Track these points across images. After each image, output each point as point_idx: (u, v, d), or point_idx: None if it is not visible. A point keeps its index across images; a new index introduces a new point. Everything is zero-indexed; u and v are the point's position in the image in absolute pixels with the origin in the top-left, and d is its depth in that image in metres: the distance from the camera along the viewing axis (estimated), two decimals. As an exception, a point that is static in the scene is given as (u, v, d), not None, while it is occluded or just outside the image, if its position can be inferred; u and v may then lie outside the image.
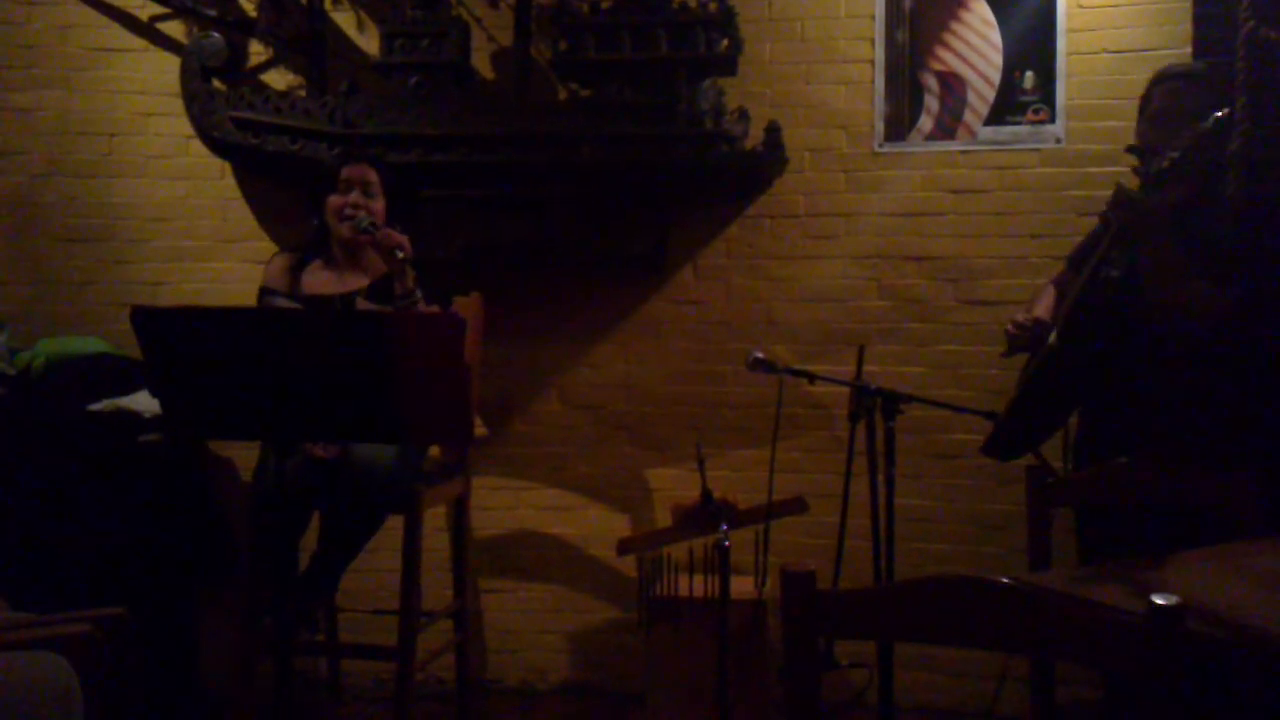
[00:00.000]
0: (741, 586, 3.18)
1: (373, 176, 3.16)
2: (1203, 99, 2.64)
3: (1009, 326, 2.88)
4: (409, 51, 3.66)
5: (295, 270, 3.16)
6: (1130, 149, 2.76)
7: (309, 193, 3.33)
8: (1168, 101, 2.71)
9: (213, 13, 3.84)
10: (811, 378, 3.00)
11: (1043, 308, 2.93)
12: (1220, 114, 2.43)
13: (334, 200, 3.14)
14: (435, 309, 3.04)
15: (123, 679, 2.09)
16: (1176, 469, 2.33)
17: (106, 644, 2.07)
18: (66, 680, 1.95)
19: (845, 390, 2.96)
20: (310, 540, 3.15)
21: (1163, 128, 2.69)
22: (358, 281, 3.17)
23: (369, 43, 3.90)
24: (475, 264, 3.71)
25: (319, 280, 3.17)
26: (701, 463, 3.03)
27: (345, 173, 3.15)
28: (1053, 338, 2.63)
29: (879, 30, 3.75)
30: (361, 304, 3.12)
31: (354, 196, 3.12)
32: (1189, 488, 2.30)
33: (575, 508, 3.93)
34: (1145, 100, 2.80)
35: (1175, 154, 2.43)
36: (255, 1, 3.89)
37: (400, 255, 2.91)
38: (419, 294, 2.97)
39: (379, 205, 3.15)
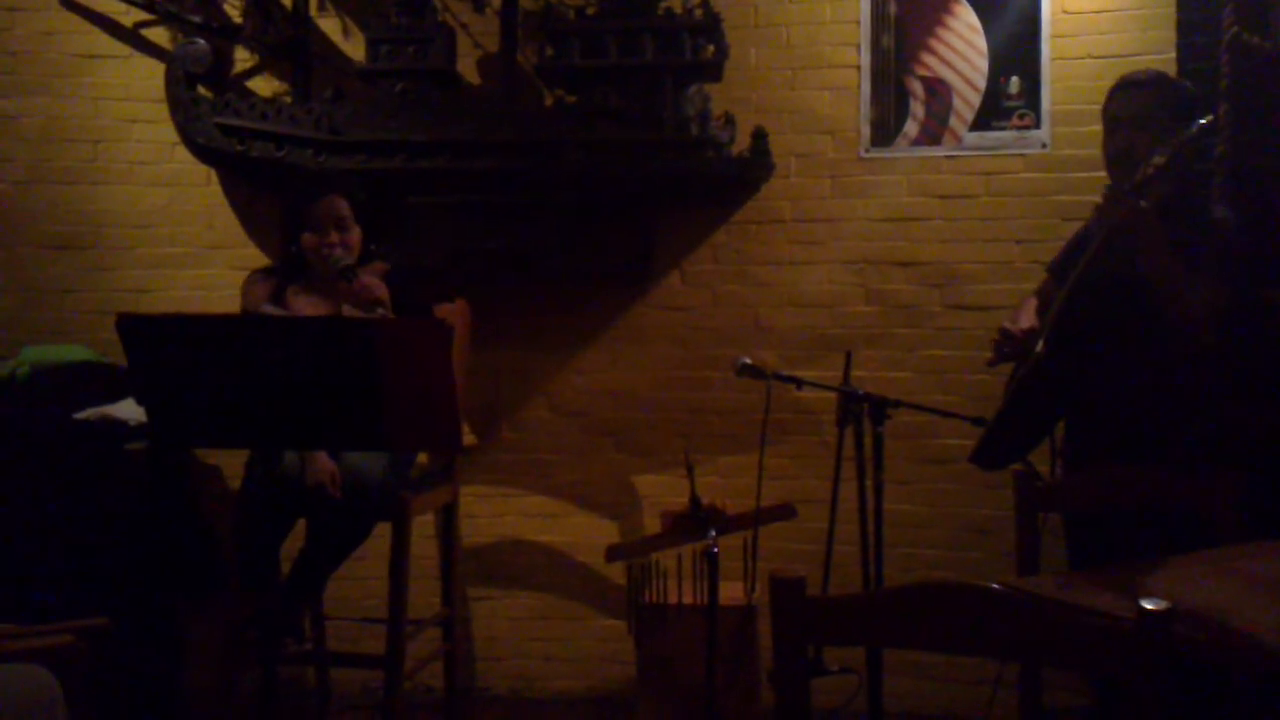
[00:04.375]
0: (730, 593, 3.18)
1: (345, 209, 3.04)
2: (1156, 104, 2.68)
3: (996, 336, 2.88)
4: (394, 58, 3.65)
5: (279, 294, 3.07)
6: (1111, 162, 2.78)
7: (285, 217, 3.26)
8: (1124, 109, 2.75)
9: (197, 19, 3.82)
10: (799, 383, 3.00)
11: (1028, 317, 2.94)
12: (1204, 120, 2.45)
13: (310, 240, 3.03)
14: None
15: (107, 690, 2.07)
16: (1165, 474, 2.34)
17: (90, 655, 2.06)
18: (50, 692, 1.93)
19: (833, 396, 2.96)
20: (290, 546, 3.13)
21: (1120, 134, 2.73)
22: (339, 305, 3.11)
23: (354, 49, 3.89)
24: (462, 270, 3.70)
25: (305, 304, 3.09)
26: (690, 469, 3.03)
27: (317, 211, 3.03)
28: (1040, 345, 2.63)
29: (864, 36, 3.76)
30: (348, 312, 3.09)
31: (331, 237, 3.01)
32: (1177, 493, 2.31)
33: (563, 515, 3.93)
34: (1104, 110, 2.83)
35: (1160, 160, 2.45)
36: (240, 8, 3.87)
37: (380, 312, 2.85)
38: None
39: (354, 236, 3.06)
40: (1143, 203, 2.47)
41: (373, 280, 2.94)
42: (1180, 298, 2.54)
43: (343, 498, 2.88)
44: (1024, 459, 2.78)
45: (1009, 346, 2.84)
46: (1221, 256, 2.60)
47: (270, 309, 3.04)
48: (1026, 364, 2.68)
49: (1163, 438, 2.59)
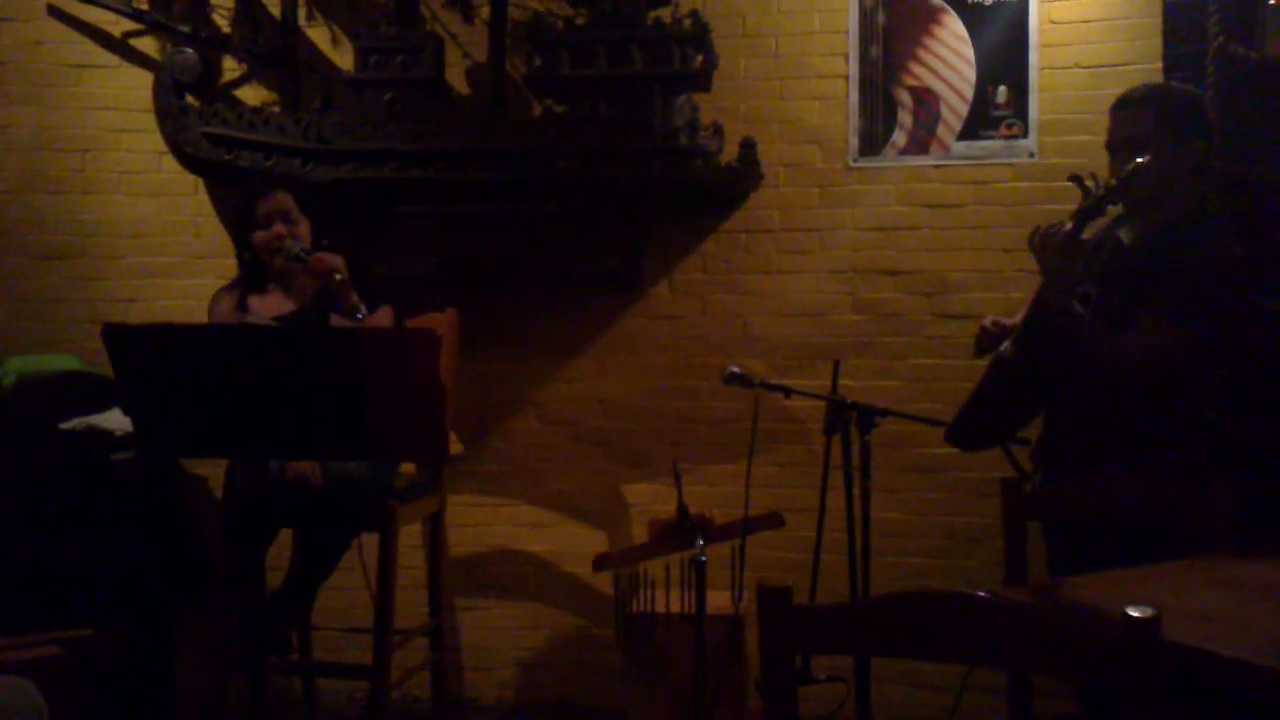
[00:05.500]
0: (718, 602, 3.18)
1: (289, 203, 3.11)
2: (1152, 121, 2.64)
3: (977, 328, 2.89)
4: (383, 67, 3.65)
5: (241, 307, 3.11)
6: (1071, 178, 2.77)
7: (235, 230, 3.31)
8: (1119, 131, 2.73)
9: (186, 29, 3.82)
10: (787, 392, 3.00)
11: (1023, 314, 2.94)
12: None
13: (260, 237, 3.09)
14: (387, 310, 3.04)
15: (93, 703, 2.06)
16: (1154, 481, 2.34)
17: (76, 667, 2.04)
18: (35, 706, 1.92)
19: (821, 404, 2.96)
20: (278, 558, 3.12)
21: (1122, 158, 2.72)
22: (303, 298, 3.15)
23: (343, 58, 3.89)
24: (450, 279, 3.70)
25: (270, 305, 3.12)
26: (678, 478, 3.03)
27: (262, 208, 3.10)
28: (1005, 345, 2.64)
29: (853, 46, 3.77)
30: (337, 321, 3.10)
31: (278, 228, 3.08)
32: (1167, 499, 2.31)
33: (551, 524, 3.92)
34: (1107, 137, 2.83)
35: (1096, 195, 2.46)
36: (229, 17, 3.87)
37: (338, 277, 2.89)
38: (364, 307, 2.94)
39: (304, 229, 3.12)
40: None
41: (327, 254, 2.97)
42: (1105, 352, 2.55)
43: (324, 486, 2.89)
44: (1008, 452, 2.79)
45: (985, 339, 2.85)
46: (1222, 284, 2.57)
47: (255, 318, 3.05)
48: (996, 358, 2.69)
49: (1138, 443, 2.58)
